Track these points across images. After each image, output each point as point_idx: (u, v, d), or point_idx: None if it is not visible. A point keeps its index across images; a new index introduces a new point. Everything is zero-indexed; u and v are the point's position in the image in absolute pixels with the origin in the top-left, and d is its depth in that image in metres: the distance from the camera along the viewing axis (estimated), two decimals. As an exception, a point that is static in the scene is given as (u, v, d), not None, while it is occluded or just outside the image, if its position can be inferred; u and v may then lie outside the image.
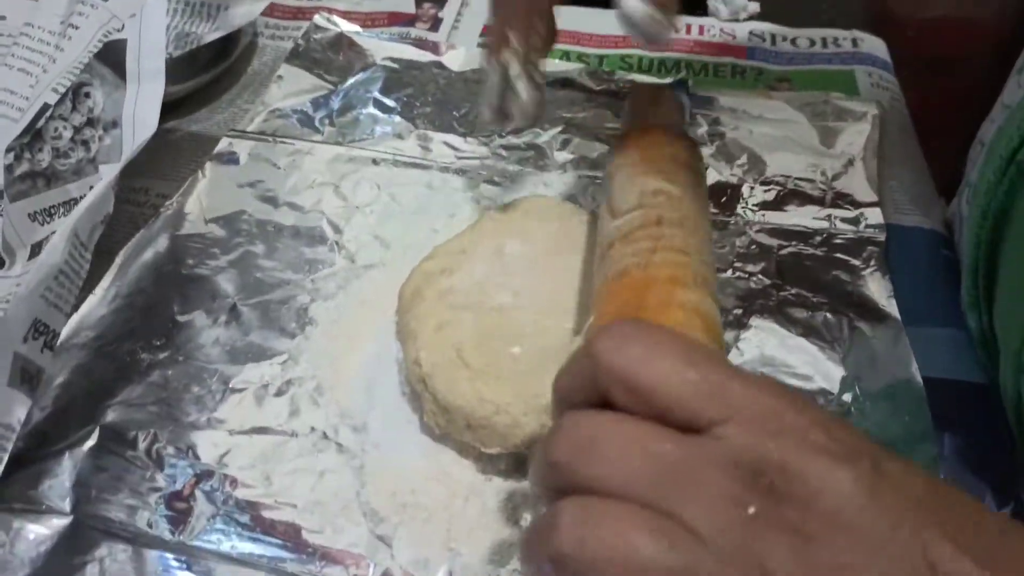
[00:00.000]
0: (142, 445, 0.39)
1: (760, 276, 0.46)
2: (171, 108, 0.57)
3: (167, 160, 0.54)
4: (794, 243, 0.48)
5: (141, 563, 0.35)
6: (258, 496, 0.37)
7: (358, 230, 0.49)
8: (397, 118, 0.56)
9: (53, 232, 0.39)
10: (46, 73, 0.44)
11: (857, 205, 0.49)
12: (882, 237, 0.47)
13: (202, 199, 0.50)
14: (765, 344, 0.43)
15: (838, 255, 0.47)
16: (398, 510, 0.36)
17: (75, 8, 0.44)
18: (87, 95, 0.41)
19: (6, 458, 0.35)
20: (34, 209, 0.41)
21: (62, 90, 0.42)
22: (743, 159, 0.53)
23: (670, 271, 0.33)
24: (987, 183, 0.40)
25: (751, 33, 0.65)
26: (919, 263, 0.47)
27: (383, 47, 0.61)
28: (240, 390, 0.41)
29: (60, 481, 0.37)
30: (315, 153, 0.53)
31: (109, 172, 0.40)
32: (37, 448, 0.38)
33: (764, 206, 0.50)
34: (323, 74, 0.59)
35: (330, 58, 0.60)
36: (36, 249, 0.40)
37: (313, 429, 0.40)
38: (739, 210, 0.49)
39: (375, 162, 0.53)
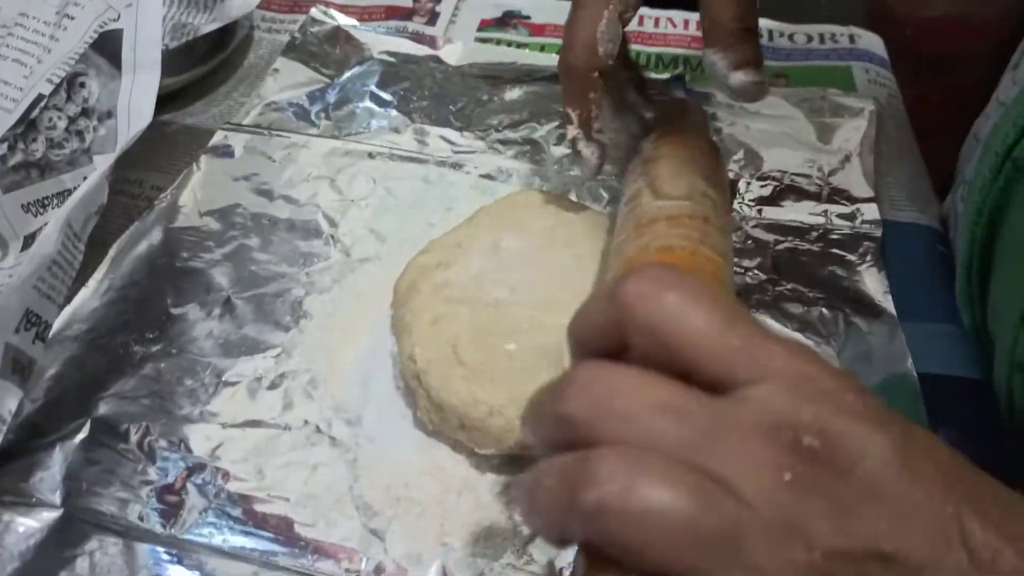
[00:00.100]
0: (134, 438, 0.39)
1: (756, 271, 0.46)
2: (167, 100, 0.57)
3: (162, 152, 0.54)
4: (790, 238, 0.47)
5: (132, 556, 0.35)
6: (250, 489, 0.37)
7: (354, 224, 0.49)
8: (394, 112, 0.56)
9: (46, 223, 0.38)
10: (41, 64, 0.43)
11: (853, 201, 0.49)
12: (878, 233, 0.47)
13: (197, 192, 0.50)
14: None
15: (834, 251, 0.47)
16: (391, 504, 0.36)
17: (70, -2, 0.43)
18: (82, 85, 0.41)
19: (-3, 450, 0.35)
20: (27, 200, 0.41)
21: (57, 80, 0.41)
22: (739, 155, 0.52)
23: (713, 268, 0.33)
24: (982, 179, 0.40)
25: (749, 29, 0.65)
26: (915, 259, 0.47)
27: (380, 41, 0.61)
28: (233, 383, 0.41)
29: (51, 474, 0.37)
30: (311, 146, 0.53)
31: (103, 162, 0.40)
32: (28, 440, 0.38)
33: (760, 201, 0.50)
34: (319, 67, 0.59)
35: (327, 51, 0.60)
36: (29, 240, 0.40)
37: (306, 422, 0.39)
38: (735, 205, 0.49)
39: (371, 156, 0.53)
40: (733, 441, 0.21)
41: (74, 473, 0.37)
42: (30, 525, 0.36)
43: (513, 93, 0.57)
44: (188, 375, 0.41)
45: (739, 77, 0.39)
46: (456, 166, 0.52)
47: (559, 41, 0.63)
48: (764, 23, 0.65)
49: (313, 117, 0.56)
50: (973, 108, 0.50)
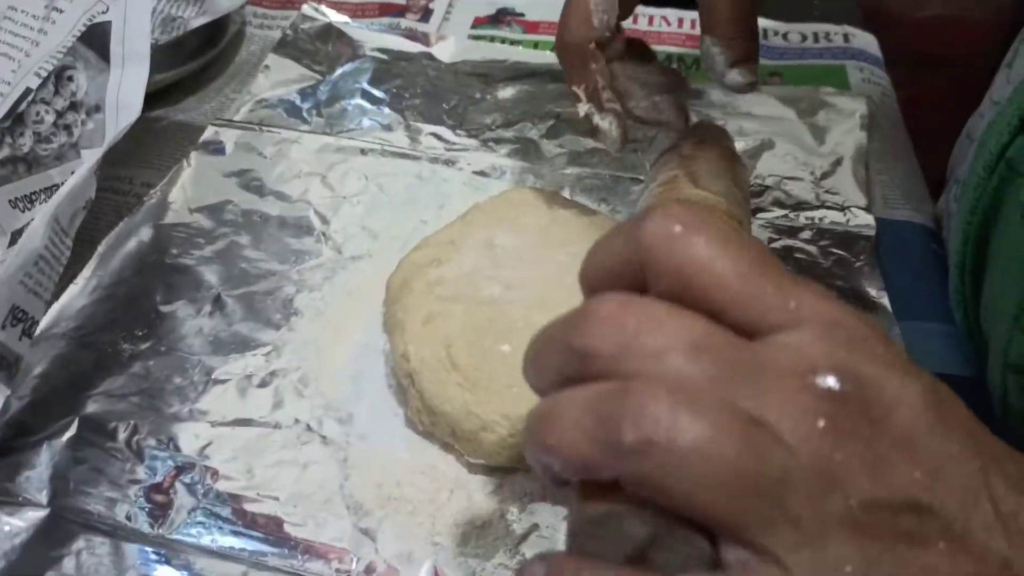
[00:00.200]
0: (122, 436, 0.38)
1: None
2: (158, 96, 0.56)
3: (152, 149, 0.54)
4: (784, 238, 0.47)
5: (120, 556, 0.34)
6: (240, 488, 0.36)
7: (345, 221, 0.48)
8: (386, 109, 0.56)
9: (33, 219, 0.38)
10: (29, 58, 0.43)
11: (847, 199, 0.49)
12: (872, 232, 0.47)
13: (187, 188, 0.49)
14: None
15: (829, 249, 0.46)
16: (383, 503, 0.36)
17: (59, -9, 0.43)
18: (70, 78, 0.41)
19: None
20: (14, 196, 0.41)
21: (45, 74, 0.41)
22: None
23: None
24: (976, 179, 0.39)
25: (743, 28, 0.64)
26: (909, 258, 0.47)
27: (372, 37, 0.61)
28: (223, 381, 0.40)
29: (38, 473, 0.37)
30: (302, 142, 0.53)
31: (91, 157, 0.39)
32: (14, 439, 0.38)
33: (753, 199, 0.49)
34: (311, 64, 0.59)
35: (318, 48, 0.60)
36: (16, 236, 0.39)
37: (297, 421, 0.39)
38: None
39: (363, 152, 0.52)
40: (769, 385, 0.20)
41: (61, 472, 0.37)
42: (16, 525, 0.35)
43: (506, 91, 0.57)
44: (177, 373, 0.41)
45: (735, 78, 0.39)
46: (449, 163, 0.52)
47: (553, 39, 0.63)
48: (759, 22, 0.64)
49: (304, 114, 0.55)
50: (966, 108, 0.50)
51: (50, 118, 0.40)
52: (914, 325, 0.43)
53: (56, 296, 0.42)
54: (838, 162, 0.52)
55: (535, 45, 0.63)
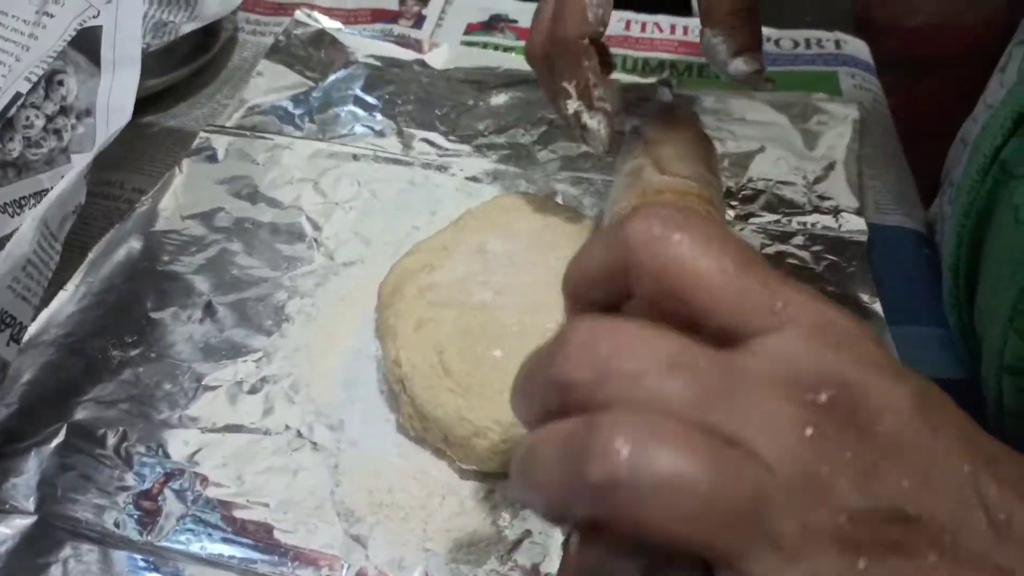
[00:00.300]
0: (111, 443, 0.38)
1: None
2: (149, 102, 0.56)
3: (144, 154, 0.53)
4: (776, 243, 0.47)
5: (108, 564, 0.34)
6: (230, 495, 0.36)
7: (338, 227, 0.48)
8: (379, 116, 0.56)
9: (23, 224, 0.38)
10: (19, 62, 0.43)
11: (839, 205, 0.49)
12: (864, 237, 0.47)
13: (178, 195, 0.49)
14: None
15: (821, 255, 0.46)
16: (374, 509, 0.36)
17: (50, -4, 0.43)
18: (60, 83, 0.40)
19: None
20: (3, 200, 0.40)
21: (35, 79, 0.41)
22: (725, 162, 0.52)
23: None
24: (970, 182, 0.39)
25: (735, 35, 0.65)
26: (901, 262, 0.47)
27: (365, 44, 0.61)
28: (213, 387, 0.40)
29: (25, 479, 0.36)
30: (294, 149, 0.53)
31: (82, 161, 0.39)
32: (2, 445, 0.37)
33: (746, 205, 0.49)
34: (304, 71, 0.59)
35: (311, 54, 0.60)
36: (4, 242, 0.39)
37: (288, 427, 0.39)
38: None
39: (355, 158, 0.52)
40: (749, 397, 0.19)
41: (49, 479, 0.36)
42: (3, 532, 0.35)
43: (499, 97, 0.57)
44: (167, 379, 0.40)
45: (739, 66, 0.38)
46: (441, 168, 0.52)
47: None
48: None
49: (297, 120, 0.55)
50: (960, 112, 0.50)
51: (40, 123, 0.40)
52: (907, 330, 0.43)
53: (46, 302, 0.42)
54: (830, 167, 0.52)
55: (528, 52, 0.63)
